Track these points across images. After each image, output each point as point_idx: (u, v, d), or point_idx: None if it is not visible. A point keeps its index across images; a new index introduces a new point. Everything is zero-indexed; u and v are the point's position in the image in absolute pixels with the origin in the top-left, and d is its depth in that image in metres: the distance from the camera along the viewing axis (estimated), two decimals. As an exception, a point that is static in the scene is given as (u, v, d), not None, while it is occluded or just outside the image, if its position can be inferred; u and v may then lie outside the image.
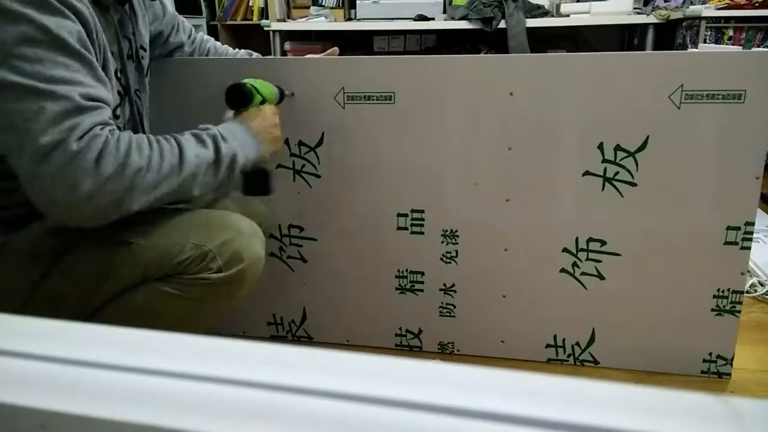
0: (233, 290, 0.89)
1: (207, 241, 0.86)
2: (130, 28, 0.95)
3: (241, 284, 0.89)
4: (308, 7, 3.15)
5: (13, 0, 0.69)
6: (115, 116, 0.86)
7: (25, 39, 0.69)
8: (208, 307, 0.89)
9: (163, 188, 0.78)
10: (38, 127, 0.69)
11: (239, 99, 0.96)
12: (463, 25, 2.70)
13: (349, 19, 3.09)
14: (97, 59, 0.78)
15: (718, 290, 1.17)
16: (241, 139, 0.89)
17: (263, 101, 1.00)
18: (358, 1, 2.91)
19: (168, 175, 0.78)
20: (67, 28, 0.72)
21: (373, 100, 1.18)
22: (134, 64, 0.97)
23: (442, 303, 1.29)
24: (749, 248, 1.13)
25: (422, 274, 1.28)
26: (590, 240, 1.19)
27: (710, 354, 1.21)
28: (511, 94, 1.13)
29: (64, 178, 0.70)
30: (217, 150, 0.84)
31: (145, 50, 1.01)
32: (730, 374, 1.22)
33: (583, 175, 1.15)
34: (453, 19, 2.75)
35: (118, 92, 0.89)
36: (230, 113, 0.96)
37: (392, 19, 2.87)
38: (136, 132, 0.91)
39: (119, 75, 0.90)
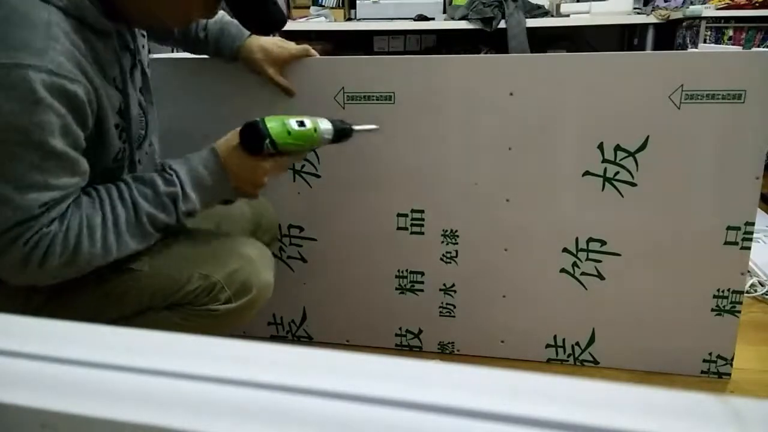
0: (242, 318, 0.88)
1: (215, 271, 0.85)
2: (128, 37, 0.89)
3: (249, 312, 0.88)
4: (308, 7, 3.15)
5: None
6: (116, 160, 0.84)
7: (0, 137, 0.67)
8: (214, 332, 0.88)
9: (120, 254, 0.78)
10: None
11: (252, 146, 0.85)
12: (463, 25, 2.69)
13: (349, 19, 3.09)
14: (84, 132, 0.75)
15: (718, 290, 1.17)
16: (210, 190, 0.85)
17: (276, 152, 0.86)
18: (358, 1, 2.91)
19: (123, 247, 0.78)
20: (45, 126, 0.68)
21: (373, 100, 1.17)
22: (139, 76, 0.91)
23: (442, 303, 1.29)
24: (749, 248, 1.13)
25: (422, 274, 1.28)
26: (590, 240, 1.19)
27: (710, 354, 1.21)
28: (511, 94, 1.13)
29: (13, 274, 0.73)
30: (176, 213, 0.82)
31: (145, 63, 0.95)
32: (730, 374, 1.22)
33: (583, 175, 1.15)
34: (453, 19, 2.75)
35: (120, 137, 0.84)
36: (232, 136, 0.87)
37: (392, 19, 2.86)
38: (132, 166, 0.88)
39: (123, 112, 0.84)
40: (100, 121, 0.78)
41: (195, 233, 0.93)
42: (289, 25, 3.05)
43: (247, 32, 1.11)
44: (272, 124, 0.84)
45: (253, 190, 0.89)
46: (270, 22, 0.89)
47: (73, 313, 0.83)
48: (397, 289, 1.30)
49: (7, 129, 0.67)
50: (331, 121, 0.93)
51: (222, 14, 1.12)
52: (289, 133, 0.85)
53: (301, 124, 0.87)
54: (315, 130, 0.88)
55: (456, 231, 1.23)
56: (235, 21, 1.05)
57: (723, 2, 2.57)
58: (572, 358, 1.28)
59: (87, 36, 0.75)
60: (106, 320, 0.84)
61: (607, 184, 1.15)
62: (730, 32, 2.62)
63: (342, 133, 0.95)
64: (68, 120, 0.71)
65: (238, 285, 0.86)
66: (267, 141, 0.83)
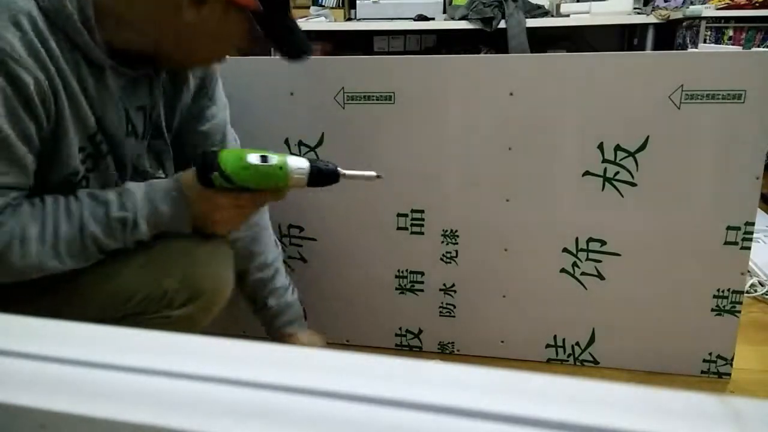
0: (200, 320, 0.85)
1: (164, 277, 0.81)
2: (147, 100, 0.85)
3: (207, 311, 0.85)
4: (308, 7, 3.15)
5: None
6: (73, 183, 0.78)
7: None
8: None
9: (56, 271, 0.74)
10: None
11: (202, 177, 0.80)
12: (463, 25, 2.69)
13: (349, 19, 3.09)
14: (34, 125, 0.70)
15: (718, 290, 1.17)
16: (165, 218, 0.80)
17: (233, 187, 0.80)
18: (358, 1, 2.90)
19: (59, 263, 0.74)
20: None
21: (373, 100, 1.17)
22: (141, 141, 0.86)
23: (442, 303, 1.29)
24: (749, 248, 1.13)
25: (422, 274, 1.28)
26: (590, 240, 1.19)
27: (710, 354, 1.21)
28: (511, 94, 1.13)
29: None
30: (124, 239, 0.78)
31: (163, 132, 0.91)
32: (730, 374, 1.22)
33: (583, 175, 1.15)
34: (453, 19, 2.75)
35: (90, 156, 0.80)
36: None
37: (392, 19, 2.86)
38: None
39: (98, 137, 0.79)
40: (56, 128, 0.74)
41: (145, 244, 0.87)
42: (289, 25, 3.04)
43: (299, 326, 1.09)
44: (227, 156, 0.79)
45: (211, 226, 0.84)
46: (302, 49, 0.86)
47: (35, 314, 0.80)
48: (397, 289, 1.30)
49: None
50: (312, 163, 0.83)
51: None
52: (246, 168, 0.79)
53: (264, 159, 0.80)
54: (281, 168, 0.81)
55: (456, 231, 1.23)
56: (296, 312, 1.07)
57: (723, 2, 2.57)
58: (572, 358, 1.28)
59: (66, 50, 0.72)
60: None
61: (607, 184, 1.15)
62: (730, 32, 2.62)
63: (321, 176, 0.84)
64: (15, 104, 0.67)
65: (190, 289, 0.82)
66: (216, 173, 0.78)
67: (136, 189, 0.80)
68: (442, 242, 1.25)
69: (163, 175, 0.92)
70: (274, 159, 0.81)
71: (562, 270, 1.22)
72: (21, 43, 0.67)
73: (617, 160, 1.13)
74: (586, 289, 1.22)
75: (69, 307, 0.80)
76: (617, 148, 1.13)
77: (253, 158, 0.80)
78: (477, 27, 2.67)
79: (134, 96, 0.84)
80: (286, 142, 1.23)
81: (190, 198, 0.81)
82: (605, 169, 1.14)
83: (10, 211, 0.70)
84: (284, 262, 1.31)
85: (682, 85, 1.07)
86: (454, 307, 1.29)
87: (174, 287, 0.81)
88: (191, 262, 0.84)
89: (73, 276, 0.78)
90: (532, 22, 2.65)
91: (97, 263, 0.79)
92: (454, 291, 1.28)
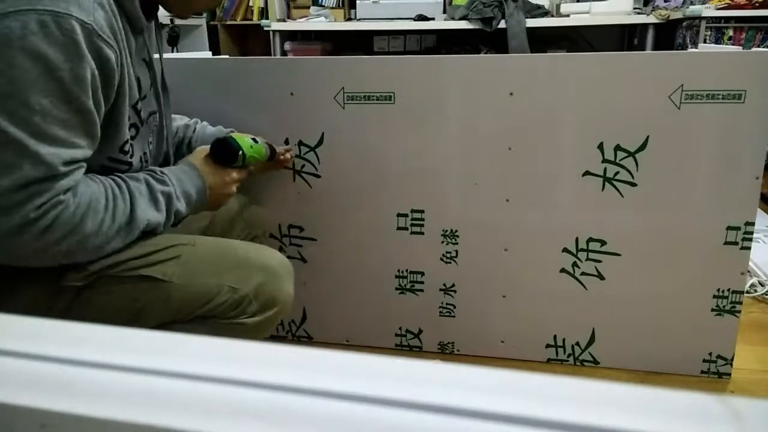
0: (265, 331, 0.88)
1: (243, 284, 0.83)
2: (146, 53, 0.90)
3: (272, 324, 0.88)
4: (308, 7, 3.15)
5: (38, 36, 0.64)
6: (123, 152, 0.82)
7: (35, 85, 0.65)
8: None
9: (106, 249, 0.76)
10: (5, 183, 0.65)
11: (226, 158, 0.95)
12: (463, 25, 2.69)
13: (349, 19, 3.09)
14: (105, 102, 0.74)
15: (718, 290, 1.17)
16: (193, 198, 0.88)
17: (245, 165, 0.99)
18: (358, 1, 2.91)
19: (113, 238, 0.76)
20: (82, 80, 0.68)
21: (373, 100, 1.18)
22: (159, 84, 0.92)
23: (442, 303, 1.29)
24: (749, 248, 1.13)
25: (422, 274, 1.28)
26: (590, 240, 1.19)
27: (710, 354, 1.21)
28: (511, 94, 1.13)
29: (9, 240, 0.67)
30: (168, 212, 0.83)
31: (165, 82, 0.98)
32: (730, 374, 1.22)
33: (583, 175, 1.15)
34: (453, 19, 2.75)
35: (134, 125, 0.84)
36: (201, 150, 0.96)
37: (392, 19, 2.86)
38: (157, 159, 0.93)
39: (138, 105, 0.84)
40: (117, 100, 0.77)
41: (214, 243, 0.91)
42: (289, 25, 3.05)
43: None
44: (240, 141, 0.98)
45: (224, 199, 0.96)
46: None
47: (98, 319, 0.80)
48: (397, 289, 1.30)
49: (42, 75, 0.65)
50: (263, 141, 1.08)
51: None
52: (251, 147, 1.00)
53: (255, 140, 1.03)
54: (262, 146, 1.05)
55: (456, 231, 1.23)
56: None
57: (723, 2, 2.57)
58: (572, 358, 1.28)
59: (123, 22, 0.77)
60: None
61: (607, 184, 1.15)
62: (730, 32, 2.62)
63: (272, 150, 1.11)
64: (98, 83, 0.71)
65: (265, 299, 0.84)
66: (240, 153, 0.96)
67: (165, 169, 0.87)
68: (442, 242, 1.25)
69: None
70: (259, 140, 1.04)
71: (562, 270, 1.22)
72: (105, 22, 0.70)
73: (617, 160, 1.13)
74: (586, 289, 1.22)
75: (149, 299, 0.82)
76: (617, 148, 1.13)
77: (250, 140, 1.01)
78: (477, 27, 2.67)
79: (152, 43, 0.90)
80: (286, 142, 1.23)
81: (205, 175, 0.91)
82: (605, 169, 1.14)
83: (85, 181, 0.74)
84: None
85: (682, 85, 1.07)
86: (454, 307, 1.29)
87: (252, 294, 0.84)
88: (268, 273, 0.86)
89: (152, 264, 0.81)
90: (532, 22, 2.65)
91: (181, 255, 0.83)
92: (454, 291, 1.28)
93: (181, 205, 0.85)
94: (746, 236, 1.13)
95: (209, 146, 0.95)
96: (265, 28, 3.00)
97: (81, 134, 0.71)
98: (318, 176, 1.25)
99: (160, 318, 0.83)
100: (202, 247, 0.87)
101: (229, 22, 3.51)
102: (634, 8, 2.75)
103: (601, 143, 1.13)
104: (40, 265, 0.74)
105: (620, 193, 1.15)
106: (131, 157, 0.84)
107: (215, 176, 0.93)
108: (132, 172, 0.84)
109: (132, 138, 0.83)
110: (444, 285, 1.28)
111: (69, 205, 0.70)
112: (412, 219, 1.24)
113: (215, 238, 0.96)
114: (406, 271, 1.29)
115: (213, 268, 0.84)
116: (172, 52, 2.81)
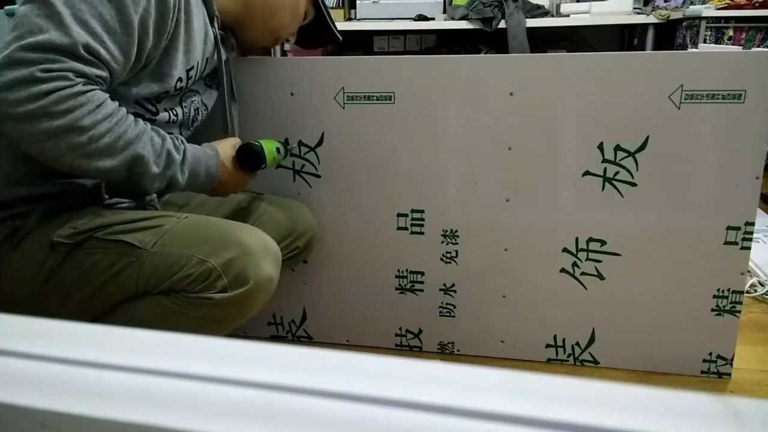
0: (240, 311, 0.85)
1: (213, 256, 0.82)
2: (215, 59, 1.01)
3: (248, 305, 0.85)
4: (308, 7, 3.14)
5: None
6: (156, 101, 0.90)
7: None
8: (214, 326, 0.85)
9: (92, 160, 0.78)
10: (29, 39, 0.71)
11: (248, 166, 1.00)
12: (463, 25, 2.69)
13: (349, 19, 3.09)
14: (154, 36, 0.81)
15: (718, 290, 1.17)
16: (200, 180, 0.92)
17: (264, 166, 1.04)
18: (358, 1, 2.90)
19: (102, 150, 0.78)
20: (138, 3, 0.77)
21: (373, 100, 1.18)
22: (226, 90, 1.05)
23: (442, 303, 1.29)
24: (749, 248, 1.13)
25: (422, 274, 1.28)
26: (590, 240, 1.19)
27: (710, 354, 1.21)
28: (511, 94, 1.13)
29: (5, 92, 0.71)
30: (163, 171, 0.86)
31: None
32: (730, 374, 1.22)
33: (583, 175, 1.15)
34: (453, 19, 2.75)
35: (178, 87, 0.91)
36: (232, 144, 1.00)
37: (392, 19, 2.86)
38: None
39: (190, 74, 0.93)
40: (169, 44, 0.85)
41: (202, 219, 0.91)
42: (289, 25, 3.04)
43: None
44: (266, 149, 1.02)
45: (227, 195, 1.02)
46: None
47: (78, 282, 0.83)
48: (397, 289, 1.30)
49: None
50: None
51: None
52: (273, 159, 1.05)
53: (278, 151, 1.07)
54: (282, 156, 1.09)
55: (456, 231, 1.23)
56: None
57: (723, 2, 2.57)
58: (572, 358, 1.28)
59: (199, 2, 0.91)
60: (104, 298, 0.84)
61: (607, 184, 1.15)
62: (730, 32, 2.62)
63: (287, 152, 1.15)
64: (152, 10, 0.79)
65: (234, 274, 0.82)
66: (263, 166, 1.01)
67: (190, 146, 0.91)
68: (442, 242, 1.25)
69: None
70: (282, 150, 1.09)
71: (562, 270, 1.22)
72: None
73: (617, 160, 1.13)
74: (586, 289, 1.22)
75: (125, 263, 0.83)
76: (617, 148, 1.13)
77: (275, 151, 1.06)
78: (477, 27, 2.67)
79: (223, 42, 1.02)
80: (286, 142, 1.23)
81: (222, 173, 0.96)
82: (605, 169, 1.14)
83: (102, 89, 0.78)
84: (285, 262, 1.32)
85: (682, 85, 1.07)
86: (454, 307, 1.29)
87: (221, 267, 0.82)
88: (241, 250, 0.83)
89: (138, 230, 0.84)
90: (532, 22, 2.65)
91: (163, 226, 0.85)
92: (454, 291, 1.28)
93: (178, 176, 0.88)
94: (746, 236, 1.13)
95: (239, 144, 1.00)
96: (265, 28, 2.99)
97: (114, 42, 0.76)
98: (318, 176, 1.25)
99: (133, 284, 0.82)
100: (188, 221, 0.87)
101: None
102: (634, 8, 2.75)
103: (601, 143, 1.13)
104: (20, 141, 0.75)
105: (620, 193, 1.15)
106: (157, 114, 0.91)
107: (231, 176, 0.98)
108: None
109: (167, 95, 0.91)
110: (444, 285, 1.28)
111: (75, 85, 0.73)
112: (412, 219, 1.24)
113: (209, 216, 0.96)
114: (406, 271, 1.29)
115: (188, 240, 0.84)
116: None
